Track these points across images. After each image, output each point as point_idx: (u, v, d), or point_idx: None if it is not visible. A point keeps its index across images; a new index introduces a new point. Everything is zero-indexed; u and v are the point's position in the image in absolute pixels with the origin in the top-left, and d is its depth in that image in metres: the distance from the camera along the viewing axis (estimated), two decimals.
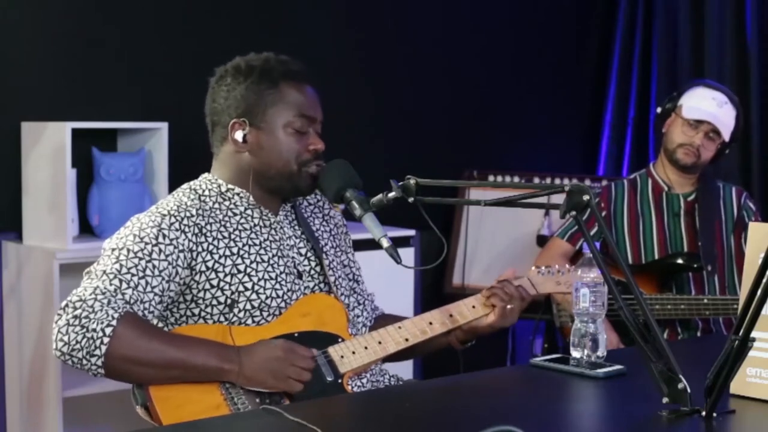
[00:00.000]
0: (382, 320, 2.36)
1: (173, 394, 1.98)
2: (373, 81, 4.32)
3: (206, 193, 2.20)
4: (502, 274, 2.35)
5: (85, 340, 1.92)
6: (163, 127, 3.47)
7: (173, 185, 3.28)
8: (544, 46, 4.84)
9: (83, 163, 3.41)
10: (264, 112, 2.18)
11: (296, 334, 2.12)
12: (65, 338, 1.93)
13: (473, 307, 2.28)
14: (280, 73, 2.20)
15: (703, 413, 1.69)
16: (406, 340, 2.20)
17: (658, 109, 3.43)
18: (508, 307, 2.26)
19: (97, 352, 1.92)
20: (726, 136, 3.31)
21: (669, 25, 4.75)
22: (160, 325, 2.13)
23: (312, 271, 2.24)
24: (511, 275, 2.35)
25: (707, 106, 3.29)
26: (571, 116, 4.99)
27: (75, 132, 3.26)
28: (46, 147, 3.31)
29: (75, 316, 1.93)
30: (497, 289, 2.28)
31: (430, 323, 2.24)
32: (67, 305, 1.96)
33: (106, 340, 1.92)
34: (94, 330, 1.92)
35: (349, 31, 4.26)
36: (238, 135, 2.18)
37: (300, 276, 2.21)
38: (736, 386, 1.82)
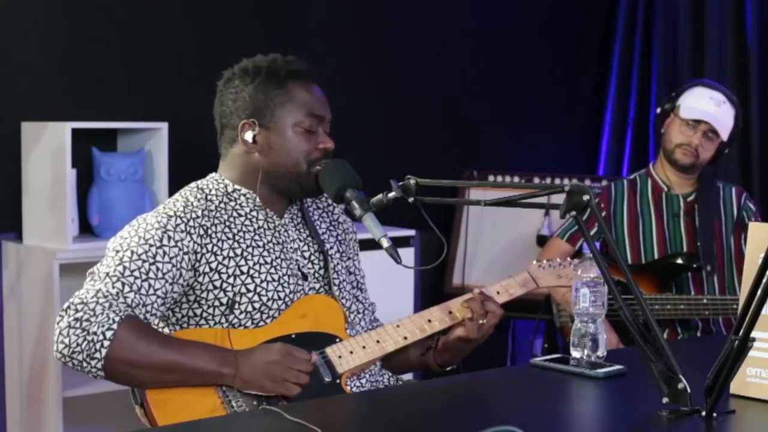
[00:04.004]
0: None
1: (170, 397, 1.98)
2: (373, 81, 4.31)
3: (213, 192, 2.19)
4: (476, 289, 2.26)
5: (85, 342, 1.92)
6: (163, 127, 3.47)
7: (173, 185, 3.28)
8: (544, 46, 4.84)
9: (83, 163, 3.41)
10: (273, 112, 2.17)
11: (293, 336, 2.12)
12: (66, 340, 1.93)
13: (450, 312, 2.24)
14: (287, 73, 2.19)
15: (703, 413, 1.69)
16: (405, 338, 2.19)
17: (658, 110, 3.43)
18: (480, 321, 2.20)
19: (98, 354, 1.92)
20: (724, 135, 3.31)
21: (669, 25, 4.75)
22: (161, 325, 2.13)
23: (316, 274, 2.24)
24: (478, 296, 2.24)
25: (705, 106, 3.28)
26: (571, 116, 4.99)
27: (75, 132, 3.26)
28: (46, 147, 3.31)
29: (76, 319, 1.93)
30: (472, 303, 2.22)
31: (429, 320, 2.23)
32: (68, 307, 1.96)
33: (106, 343, 1.92)
34: (95, 333, 1.92)
35: (349, 31, 4.26)
36: (248, 136, 2.18)
37: (305, 278, 2.21)
38: (736, 386, 1.82)
